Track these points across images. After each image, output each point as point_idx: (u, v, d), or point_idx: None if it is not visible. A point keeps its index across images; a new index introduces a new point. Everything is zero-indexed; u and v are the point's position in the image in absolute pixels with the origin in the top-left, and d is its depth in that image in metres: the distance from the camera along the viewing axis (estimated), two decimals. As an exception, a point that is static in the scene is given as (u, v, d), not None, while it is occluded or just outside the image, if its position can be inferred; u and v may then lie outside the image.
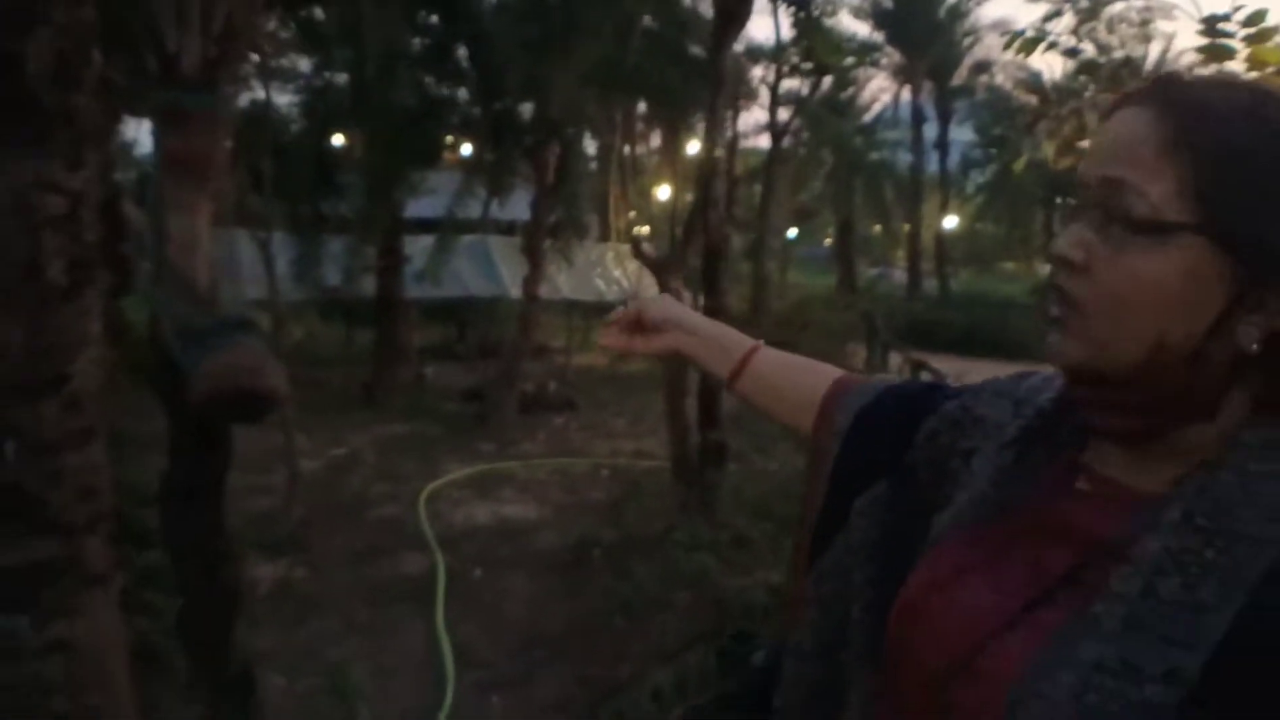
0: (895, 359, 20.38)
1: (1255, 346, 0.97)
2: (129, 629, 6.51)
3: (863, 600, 1.34)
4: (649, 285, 22.78)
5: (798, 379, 1.68)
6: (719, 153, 10.87)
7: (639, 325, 1.77)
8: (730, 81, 21.84)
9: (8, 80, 2.54)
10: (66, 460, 2.67)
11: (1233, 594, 0.90)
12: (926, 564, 1.22)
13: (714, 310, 10.64)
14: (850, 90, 32.60)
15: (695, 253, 10.88)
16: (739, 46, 22.98)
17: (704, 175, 10.28)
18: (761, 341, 1.75)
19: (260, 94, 14.38)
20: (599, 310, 28.30)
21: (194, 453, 4.82)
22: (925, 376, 12.87)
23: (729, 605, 6.84)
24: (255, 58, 11.14)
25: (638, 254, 12.20)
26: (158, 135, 4.61)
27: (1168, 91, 1.03)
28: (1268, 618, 0.88)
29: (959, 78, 37.12)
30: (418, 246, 19.46)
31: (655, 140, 29.68)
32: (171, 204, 4.53)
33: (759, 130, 27.39)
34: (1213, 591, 0.91)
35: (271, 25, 12.92)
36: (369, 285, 18.63)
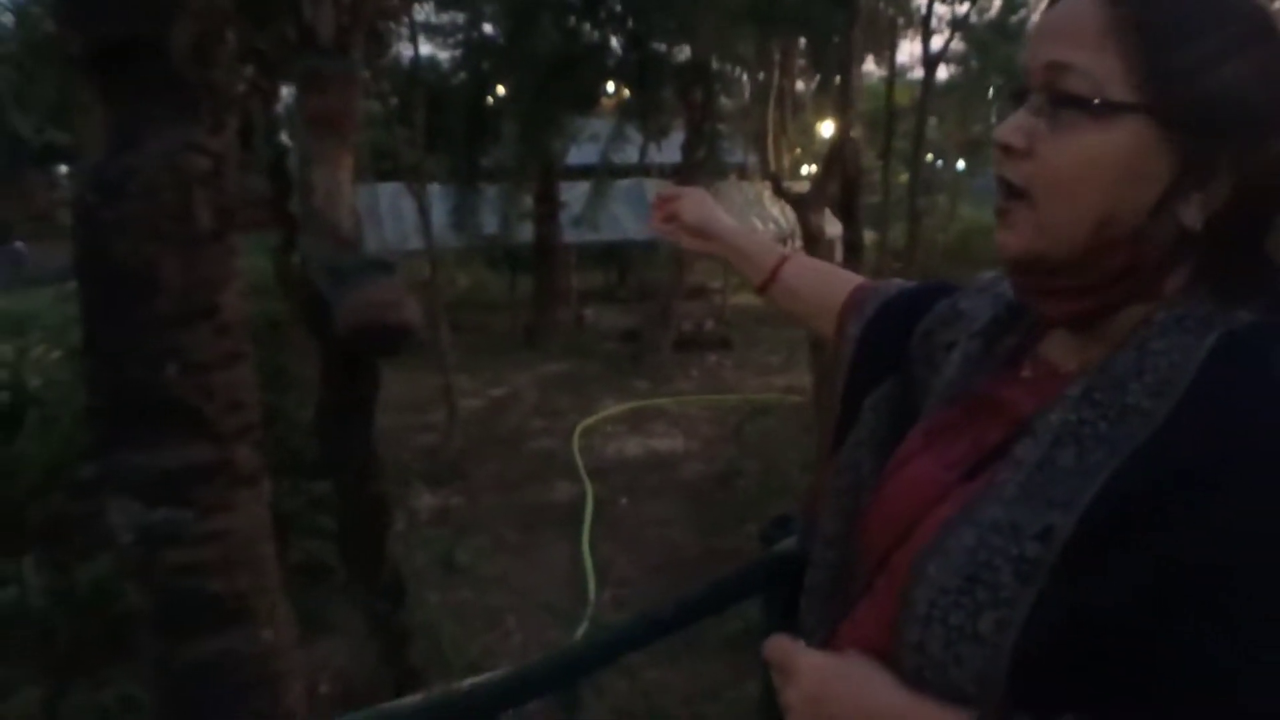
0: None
1: (1198, 222, 0.98)
2: (302, 550, 7.26)
3: (868, 489, 1.39)
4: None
5: (822, 288, 1.73)
6: (856, 81, 10.95)
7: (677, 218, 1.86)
8: (889, 9, 21.72)
9: (156, 61, 3.05)
10: (217, 378, 3.20)
11: (1110, 461, 0.94)
12: (899, 452, 1.33)
13: (853, 243, 10.86)
14: (1021, 13, 31.58)
15: (835, 184, 11.04)
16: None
17: (840, 109, 10.44)
18: (790, 250, 1.81)
19: (418, 50, 14.98)
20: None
21: (342, 378, 5.38)
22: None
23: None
24: (405, 17, 11.67)
25: (778, 191, 12.42)
26: (299, 97, 5.14)
27: None
28: (1131, 483, 0.92)
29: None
30: (575, 192, 19.94)
31: (817, 76, 29.40)
32: (315, 159, 5.07)
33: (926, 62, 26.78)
34: (1099, 460, 0.95)
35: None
36: (527, 232, 19.16)
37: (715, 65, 17.50)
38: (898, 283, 1.65)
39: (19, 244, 36.12)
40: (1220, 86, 0.96)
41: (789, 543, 2.75)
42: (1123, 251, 1.01)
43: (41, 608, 6.33)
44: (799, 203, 11.62)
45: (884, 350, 1.49)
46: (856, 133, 10.32)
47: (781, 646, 1.15)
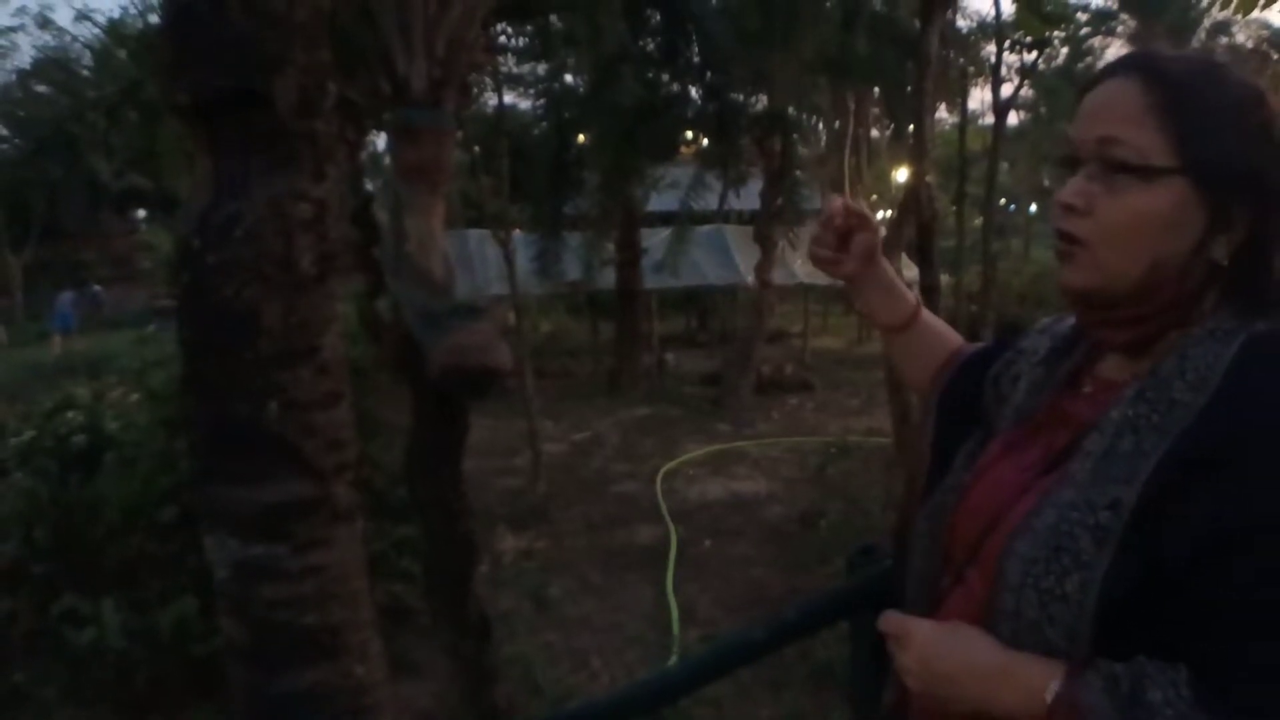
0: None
1: (1225, 258, 1.26)
2: (385, 592, 7.35)
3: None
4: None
5: (937, 344, 1.91)
6: (929, 130, 10.98)
7: (845, 237, 1.88)
8: (959, 59, 21.75)
9: (262, 112, 3.19)
10: (317, 417, 3.30)
11: (1163, 443, 1.19)
12: (979, 463, 1.56)
13: (929, 286, 10.84)
14: (1088, 60, 31.45)
15: (911, 229, 11.07)
16: (969, 23, 22.79)
17: (916, 153, 10.48)
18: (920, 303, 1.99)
19: (502, 101, 15.28)
20: (834, 295, 28.52)
21: (433, 420, 5.49)
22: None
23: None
24: (490, 68, 11.89)
25: (856, 235, 12.40)
26: (393, 148, 5.29)
27: (1149, 64, 1.31)
28: (1179, 458, 1.16)
29: (1197, 40, 35.22)
30: (656, 239, 20.11)
31: (890, 123, 29.49)
32: (408, 207, 5.21)
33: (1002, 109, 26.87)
34: (1153, 443, 1.20)
35: (502, 37, 13.68)
36: (609, 278, 19.34)
37: (792, 114, 17.59)
38: (981, 345, 1.88)
39: (96, 288, 37.10)
40: (1233, 150, 1.24)
41: (875, 570, 2.80)
42: (1171, 285, 1.28)
43: (120, 649, 6.45)
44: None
45: (964, 404, 1.70)
46: (931, 178, 10.36)
47: (896, 618, 1.40)
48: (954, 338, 1.95)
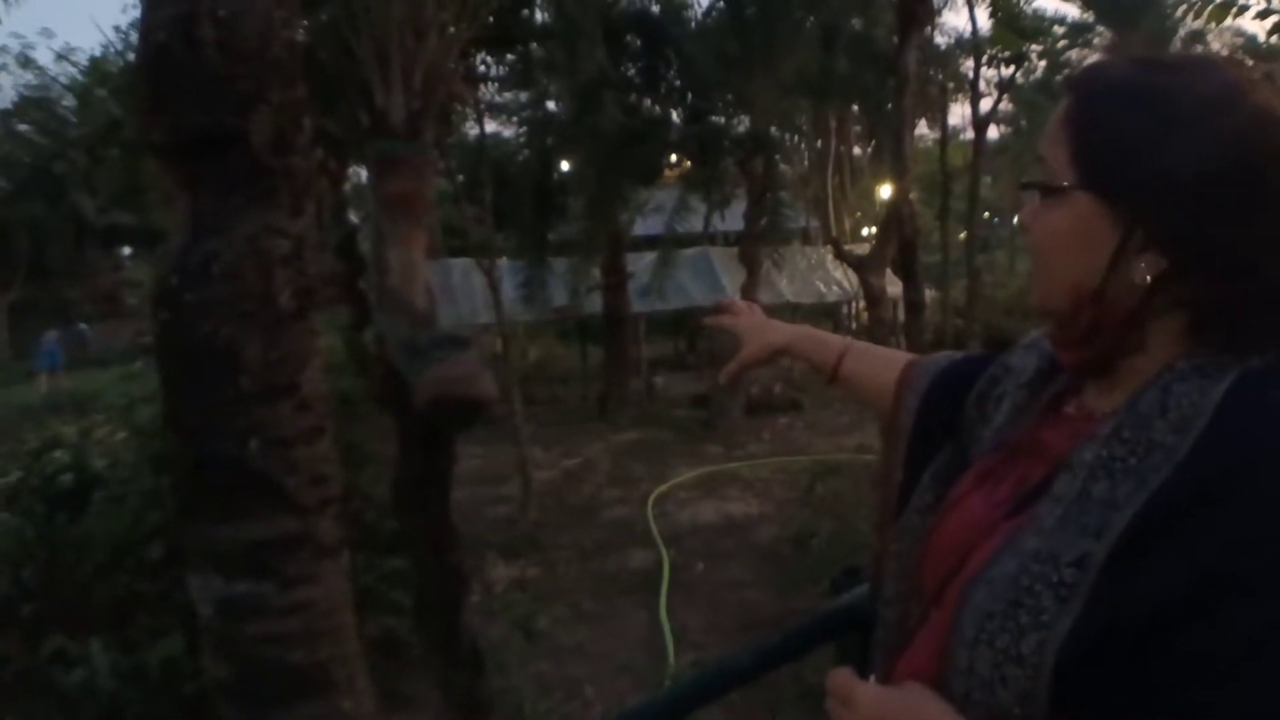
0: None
1: (1146, 280, 1.12)
2: (377, 625, 7.32)
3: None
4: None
5: (881, 371, 1.84)
6: (908, 147, 11.05)
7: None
8: (939, 76, 21.86)
9: (238, 150, 3.20)
10: (299, 452, 3.30)
11: (1140, 494, 1.04)
12: (953, 492, 1.44)
13: (914, 302, 10.90)
14: (1065, 73, 31.64)
15: (894, 247, 11.14)
16: (947, 40, 22.94)
17: (896, 171, 10.54)
18: (848, 342, 1.97)
19: (483, 129, 15.33)
20: (822, 312, 28.59)
21: (419, 452, 5.48)
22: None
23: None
24: (470, 98, 11.94)
25: (839, 255, 12.50)
26: (372, 179, 5.31)
27: (1080, 79, 1.22)
28: (1157, 510, 1.02)
29: (1173, 50, 35.54)
30: (642, 263, 20.16)
31: (872, 141, 29.64)
32: (389, 239, 5.22)
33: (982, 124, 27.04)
34: (1129, 491, 1.05)
35: (483, 66, 13.74)
36: (597, 303, 19.37)
37: (774, 135, 17.69)
38: (946, 355, 1.78)
39: (82, 326, 37.04)
40: (1140, 164, 1.11)
41: (860, 591, 2.79)
42: (1089, 308, 1.18)
43: (110, 689, 6.40)
44: (860, 265, 11.69)
45: (939, 419, 1.60)
46: (914, 195, 10.42)
47: (841, 678, 1.24)
48: (896, 358, 1.87)
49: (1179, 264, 1.11)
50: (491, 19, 7.88)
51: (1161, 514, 1.03)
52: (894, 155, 10.88)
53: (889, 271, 12.17)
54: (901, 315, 11.55)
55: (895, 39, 11.48)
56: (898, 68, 10.55)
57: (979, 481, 1.37)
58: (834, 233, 14.97)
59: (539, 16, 12.98)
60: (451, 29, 5.53)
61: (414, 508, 5.66)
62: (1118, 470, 1.10)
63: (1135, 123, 1.13)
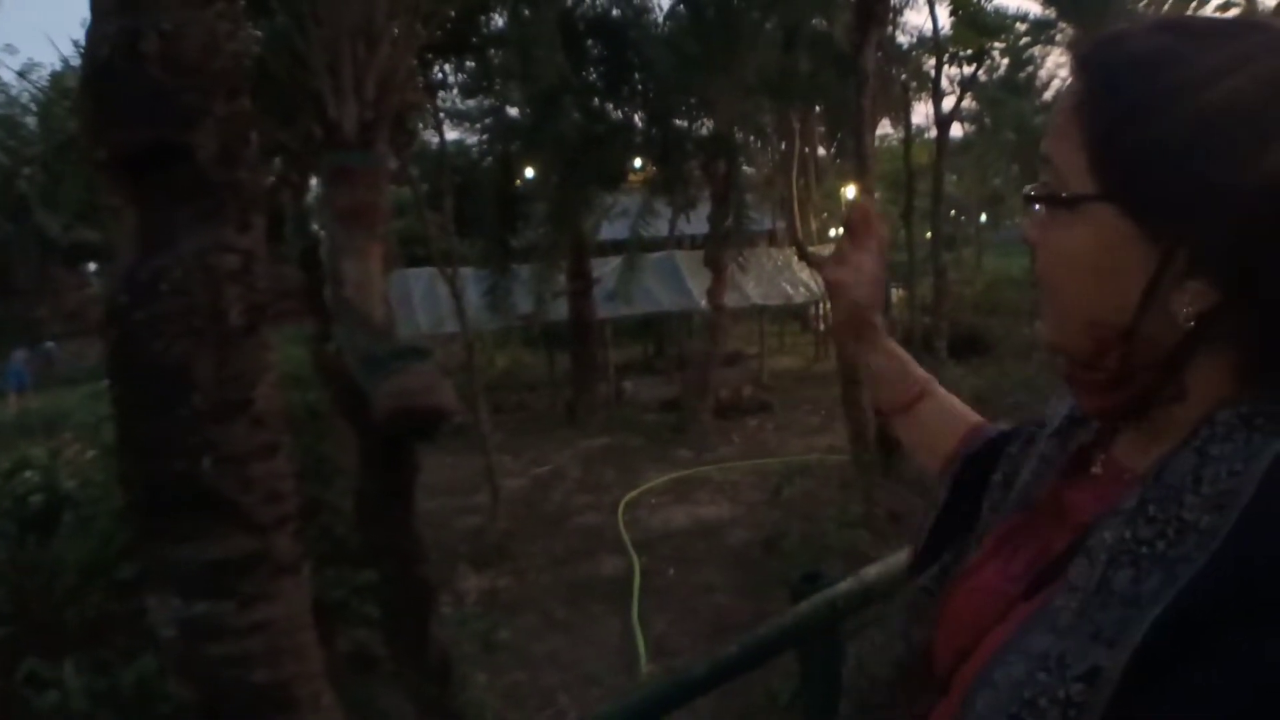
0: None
1: (1189, 321, 0.86)
2: (348, 639, 7.26)
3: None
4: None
5: (945, 429, 1.54)
6: (870, 146, 11.07)
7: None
8: (901, 74, 21.96)
9: (184, 165, 3.15)
10: (254, 470, 3.25)
11: (1167, 590, 0.82)
12: (970, 559, 1.23)
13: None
14: (1028, 69, 31.84)
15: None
16: (909, 39, 23.03)
17: (858, 170, 10.54)
18: (931, 380, 1.58)
19: (443, 137, 15.29)
20: (789, 314, 28.63)
21: (381, 465, 5.44)
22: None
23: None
24: (427, 107, 11.89)
25: (803, 256, 12.52)
26: (327, 192, 5.26)
27: (1088, 52, 0.94)
28: (1185, 616, 0.80)
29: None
30: (607, 268, 20.12)
31: (835, 142, 29.80)
32: (345, 250, 5.17)
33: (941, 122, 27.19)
34: (1153, 588, 0.83)
35: (441, 74, 13.68)
36: (562, 310, 19.31)
37: (738, 137, 17.69)
38: (1001, 426, 1.49)
39: (49, 344, 36.65)
40: (1175, 167, 0.84)
41: (821, 597, 2.77)
42: (1116, 349, 0.91)
43: (84, 711, 6.33)
44: (823, 265, 11.68)
45: (970, 494, 1.33)
46: (878, 194, 10.43)
47: None
48: (970, 415, 1.56)
49: (1232, 295, 0.85)
50: (448, 26, 7.84)
51: (1192, 617, 0.80)
52: (856, 154, 10.88)
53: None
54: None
55: (854, 38, 11.48)
56: (857, 66, 10.56)
57: (997, 547, 1.13)
58: (800, 234, 14.96)
59: (496, 22, 12.92)
60: (404, 37, 5.48)
61: (378, 521, 5.61)
62: (1142, 557, 0.86)
63: (1166, 116, 0.85)
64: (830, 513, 10.40)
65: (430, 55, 10.56)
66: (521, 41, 11.51)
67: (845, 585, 2.89)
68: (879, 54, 11.17)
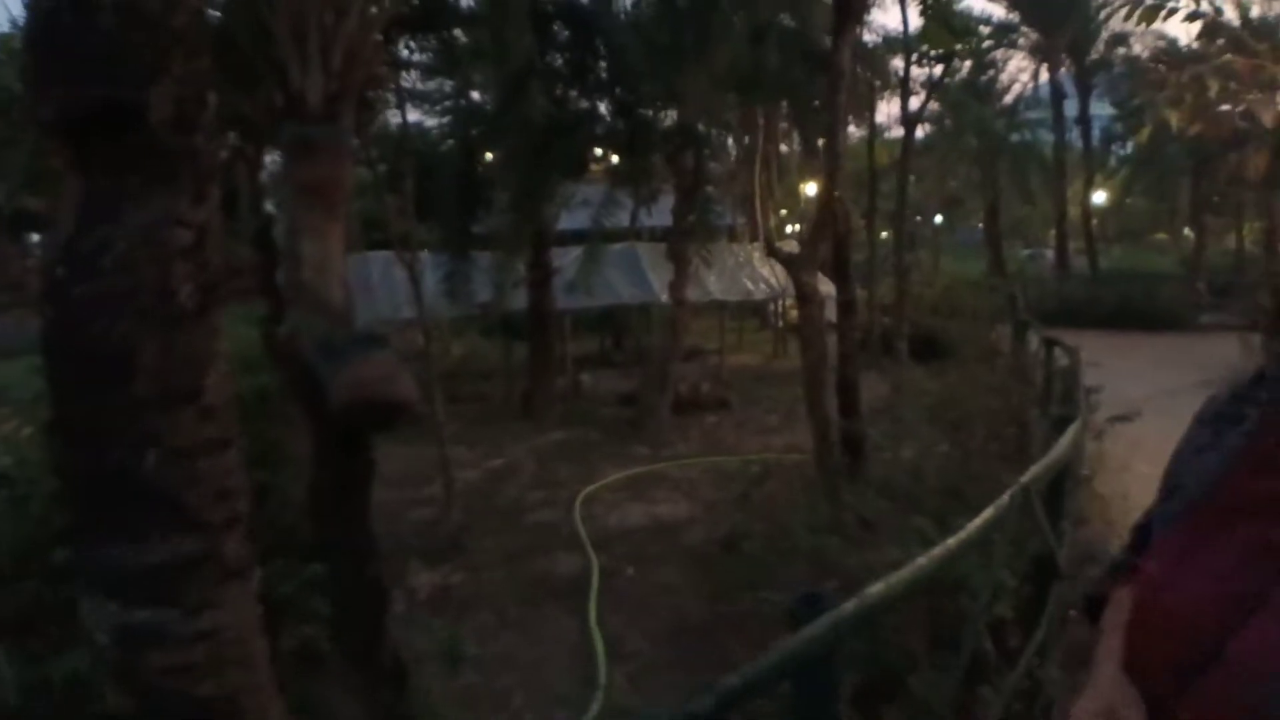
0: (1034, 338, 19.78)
1: None
2: (295, 636, 6.96)
3: None
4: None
5: None
6: (841, 144, 10.87)
7: None
8: (867, 73, 21.81)
9: (134, 127, 2.86)
10: (202, 465, 2.97)
11: None
12: (1151, 557, 1.19)
13: (847, 303, 10.71)
14: (990, 73, 31.96)
15: (826, 245, 10.97)
16: (876, 38, 22.91)
17: (829, 167, 10.34)
18: None
19: (405, 118, 14.94)
20: (749, 310, 28.46)
21: (336, 456, 5.15)
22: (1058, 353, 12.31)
23: (853, 582, 6.89)
24: (391, 83, 11.55)
25: (771, 252, 12.31)
26: (287, 165, 4.96)
27: None
28: None
29: (1096, 52, 35.89)
30: (568, 258, 19.86)
31: (796, 137, 29.72)
32: (304, 229, 4.88)
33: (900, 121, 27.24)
34: None
35: (405, 51, 13.34)
36: (521, 299, 19.04)
37: (703, 130, 17.48)
38: None
39: (-12, 315, 35.91)
40: None
41: (823, 622, 2.52)
42: None
43: (16, 705, 6.00)
44: (791, 263, 11.49)
45: None
46: (841, 192, 10.24)
47: None
48: None
49: None
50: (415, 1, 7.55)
51: None
52: (827, 152, 10.67)
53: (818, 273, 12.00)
54: (831, 314, 11.34)
55: (828, 35, 11.29)
56: (832, 63, 10.35)
57: (1189, 547, 1.10)
58: (763, 230, 14.77)
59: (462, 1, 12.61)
60: (374, 8, 5.20)
61: (330, 516, 5.32)
62: None
63: None
64: (794, 515, 10.17)
65: (393, 31, 10.23)
66: (492, 20, 11.17)
67: (850, 608, 2.66)
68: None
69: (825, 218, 10.42)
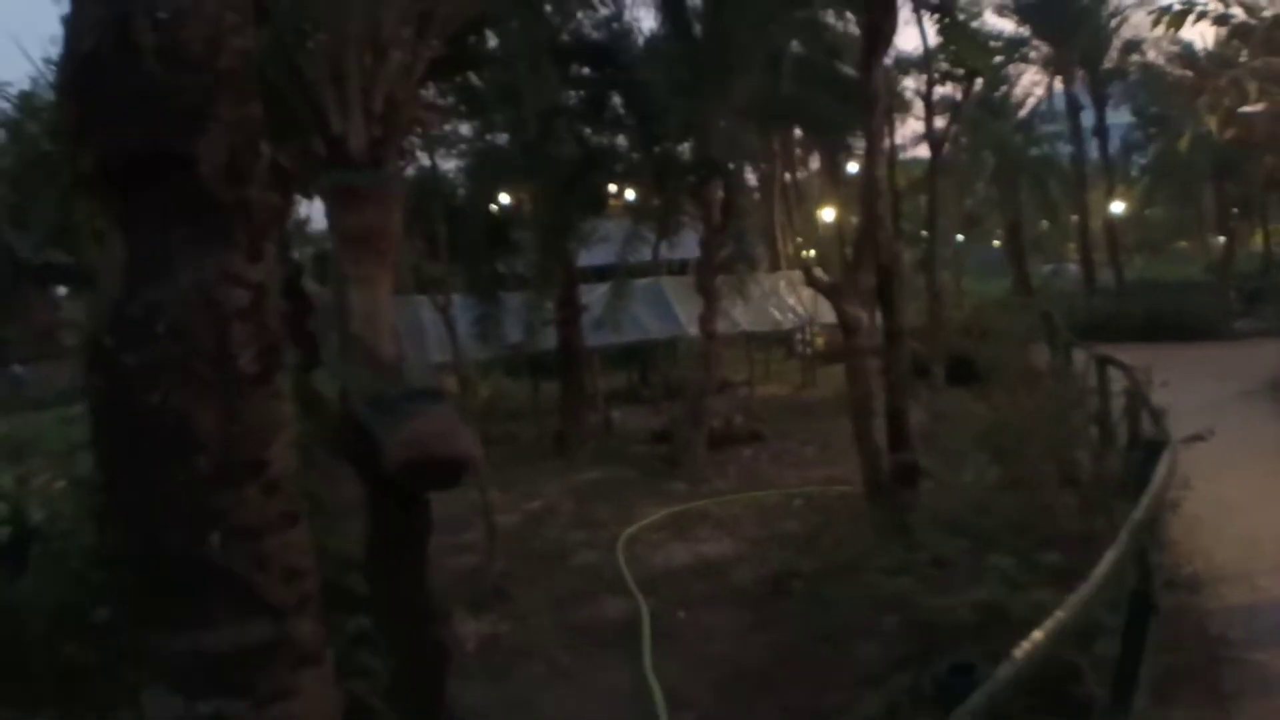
0: (1080, 356, 19.33)
1: None
2: (342, 691, 6.71)
3: None
4: (826, 310, 22.67)
5: None
6: (880, 169, 10.66)
7: None
8: (883, 96, 21.65)
9: (183, 179, 2.64)
10: (270, 543, 2.73)
11: None
12: None
13: (893, 331, 10.46)
14: (1003, 89, 31.68)
15: (867, 273, 10.73)
16: (886, 60, 22.75)
17: (868, 194, 10.11)
18: None
19: (428, 163, 14.82)
20: (777, 340, 28.20)
21: (393, 517, 4.91)
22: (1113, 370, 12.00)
23: (935, 627, 6.63)
24: (419, 129, 11.40)
25: (810, 280, 12.08)
26: (331, 214, 4.75)
27: None
28: None
29: (1109, 61, 35.49)
30: (594, 295, 19.69)
31: (814, 165, 29.60)
32: (352, 279, 4.66)
33: (915, 141, 26.94)
34: None
35: (430, 94, 13.21)
36: (550, 338, 18.87)
37: (730, 160, 17.36)
38: None
39: (17, 367, 36.04)
40: None
41: (978, 700, 2.26)
42: None
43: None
44: (832, 292, 11.26)
45: None
46: (856, 216, 10.09)
47: None
48: None
49: None
50: (451, 40, 7.38)
51: None
52: (865, 179, 10.47)
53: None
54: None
55: (859, 59, 11.10)
56: (866, 85, 10.16)
57: None
58: (790, 258, 14.62)
59: (490, 42, 12.45)
60: (415, 47, 5.00)
61: (388, 576, 5.09)
62: None
63: None
64: (844, 550, 9.89)
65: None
66: (522, 59, 10.99)
67: (1003, 674, 2.40)
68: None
69: (867, 246, 10.19)
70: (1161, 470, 4.67)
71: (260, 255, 2.77)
